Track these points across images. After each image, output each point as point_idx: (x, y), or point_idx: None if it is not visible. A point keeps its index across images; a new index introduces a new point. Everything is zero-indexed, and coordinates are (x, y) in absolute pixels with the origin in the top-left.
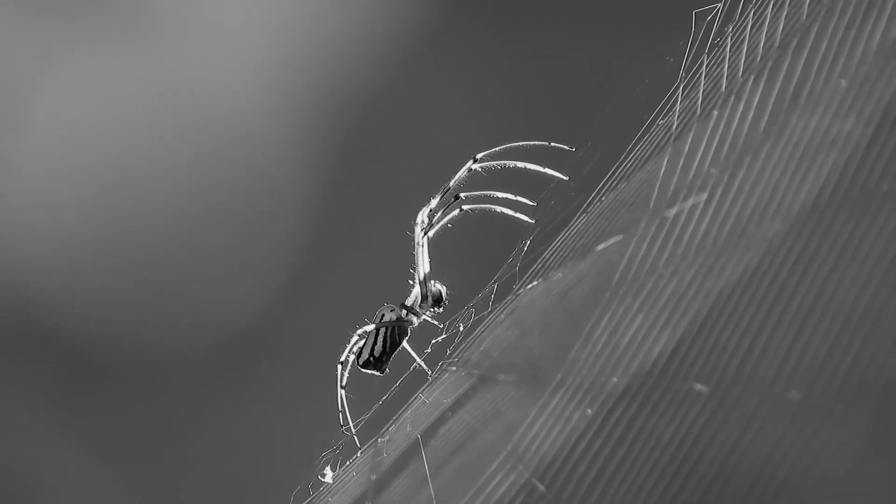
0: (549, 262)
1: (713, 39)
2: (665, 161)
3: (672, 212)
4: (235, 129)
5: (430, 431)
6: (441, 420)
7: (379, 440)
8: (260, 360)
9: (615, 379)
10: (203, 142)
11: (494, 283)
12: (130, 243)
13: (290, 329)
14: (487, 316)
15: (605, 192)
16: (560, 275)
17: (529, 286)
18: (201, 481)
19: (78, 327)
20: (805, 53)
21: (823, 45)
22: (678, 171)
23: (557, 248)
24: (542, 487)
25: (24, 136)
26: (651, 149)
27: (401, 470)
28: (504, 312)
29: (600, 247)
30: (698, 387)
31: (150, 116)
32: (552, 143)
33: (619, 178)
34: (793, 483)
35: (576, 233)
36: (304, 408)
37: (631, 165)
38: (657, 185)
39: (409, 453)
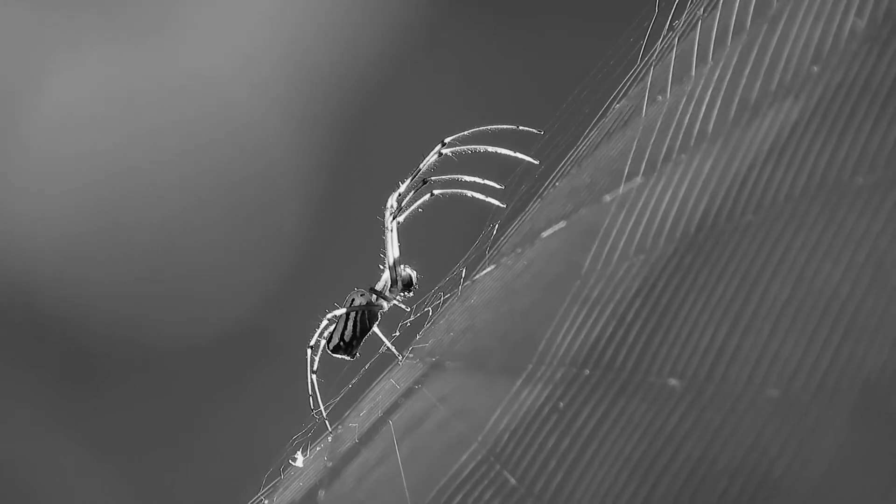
0: (503, 247)
1: (671, 22)
2: (611, 145)
3: (609, 197)
4: (235, 127)
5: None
6: (395, 406)
7: (345, 425)
8: (259, 357)
9: (566, 370)
10: (203, 138)
11: (462, 266)
12: (129, 240)
13: (289, 327)
14: (452, 299)
15: (559, 177)
16: (509, 261)
17: (484, 272)
18: (197, 478)
19: (77, 324)
20: (775, 39)
21: (794, 31)
22: (621, 155)
23: (511, 233)
24: (513, 481)
25: (24, 131)
26: (603, 133)
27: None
28: (459, 299)
29: (545, 233)
30: (672, 381)
31: (150, 110)
32: (520, 127)
33: (572, 162)
34: (770, 482)
35: (529, 218)
36: (302, 405)
37: (583, 150)
38: (602, 170)
39: (377, 437)
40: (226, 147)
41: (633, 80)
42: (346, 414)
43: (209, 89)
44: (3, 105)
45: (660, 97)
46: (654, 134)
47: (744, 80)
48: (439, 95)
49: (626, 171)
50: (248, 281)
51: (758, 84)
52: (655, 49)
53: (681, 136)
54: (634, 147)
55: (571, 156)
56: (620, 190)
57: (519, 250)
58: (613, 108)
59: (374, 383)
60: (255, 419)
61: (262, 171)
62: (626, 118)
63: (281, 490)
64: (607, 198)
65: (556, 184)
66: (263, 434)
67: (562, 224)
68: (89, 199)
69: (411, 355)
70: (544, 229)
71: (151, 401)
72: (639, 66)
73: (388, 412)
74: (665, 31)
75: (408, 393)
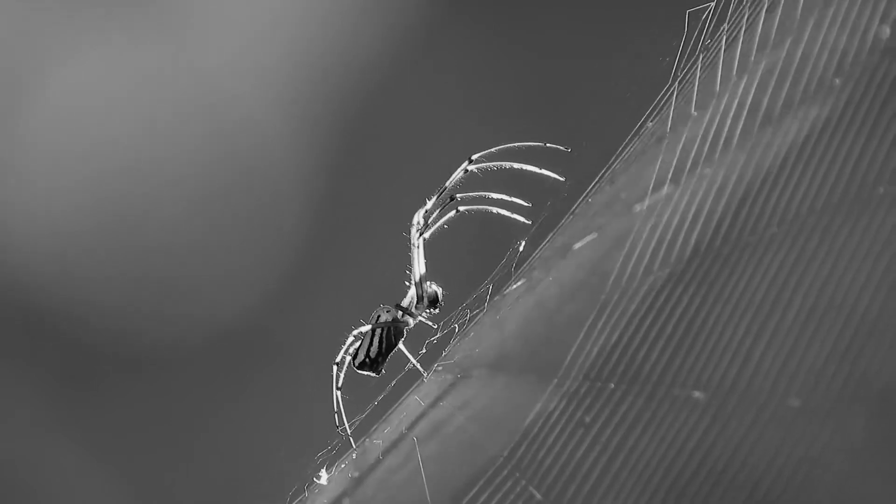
0: (535, 261)
1: (704, 40)
2: (645, 164)
3: (638, 207)
4: (239, 121)
5: (417, 431)
6: (424, 417)
7: (370, 441)
8: (259, 357)
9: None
10: (203, 136)
11: (489, 283)
12: (128, 239)
13: (289, 327)
14: (479, 316)
15: (592, 193)
16: (539, 275)
17: (515, 286)
18: (198, 479)
19: (76, 323)
20: (799, 52)
21: (817, 46)
22: (656, 171)
23: (543, 247)
24: (538, 496)
25: (24, 128)
26: (637, 151)
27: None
28: (490, 313)
29: (577, 245)
30: (696, 394)
31: (150, 109)
32: (548, 144)
33: (605, 180)
34: (791, 491)
35: (560, 233)
36: (302, 405)
37: (618, 167)
38: (633, 184)
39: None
40: (226, 146)
41: (664, 99)
42: (373, 429)
43: (209, 88)
44: (1, 102)
45: (695, 112)
46: (681, 146)
47: (768, 94)
48: (439, 95)
49: (653, 181)
50: (249, 281)
51: (782, 97)
52: (685, 68)
53: (706, 149)
54: (661, 159)
55: (604, 172)
56: (647, 201)
57: (550, 263)
58: (646, 127)
59: (399, 400)
60: (255, 419)
61: (263, 171)
62: (658, 136)
63: None
64: (637, 208)
65: (589, 199)
66: (263, 433)
67: (593, 236)
68: (88, 198)
69: (440, 368)
70: (576, 242)
71: (151, 401)
72: (669, 85)
73: (413, 427)
74: (695, 50)
75: (432, 407)
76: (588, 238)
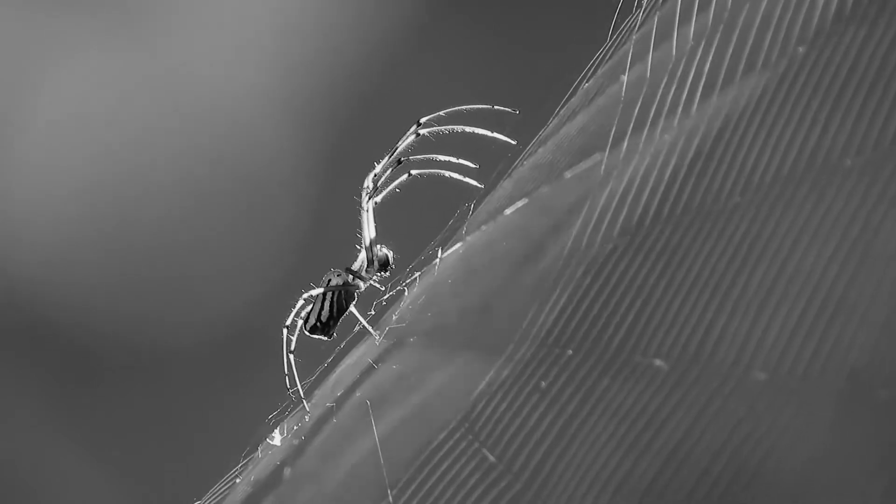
0: (469, 226)
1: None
2: (574, 124)
3: (570, 174)
4: (231, 122)
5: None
6: (374, 380)
7: (319, 403)
8: (259, 357)
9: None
10: (199, 136)
11: (437, 245)
12: (128, 239)
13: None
14: (424, 278)
15: (526, 156)
16: (473, 239)
17: (451, 249)
18: (198, 478)
19: (76, 323)
20: (758, 17)
21: (778, 10)
22: (583, 132)
23: (477, 212)
24: (492, 458)
25: (21, 130)
26: (568, 113)
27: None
28: (427, 276)
29: (508, 210)
30: (657, 362)
31: (145, 112)
32: (496, 107)
33: (537, 143)
34: (753, 465)
35: (495, 198)
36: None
37: (549, 130)
38: (564, 148)
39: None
40: (222, 148)
41: (602, 60)
42: (315, 392)
43: (204, 89)
44: (1, 105)
45: (623, 77)
46: (621, 110)
47: (728, 56)
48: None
49: (591, 147)
50: (248, 281)
51: (742, 63)
52: (624, 27)
53: (651, 113)
54: (598, 124)
55: (538, 136)
56: (582, 166)
57: (483, 227)
58: (582, 88)
59: (349, 362)
60: (256, 420)
61: (256, 172)
62: (591, 97)
63: (252, 468)
64: (568, 175)
65: (523, 163)
66: (263, 434)
67: (524, 202)
68: (85, 200)
69: (386, 331)
70: (507, 207)
71: (151, 400)
72: (607, 45)
73: (354, 387)
74: (634, 8)
75: (375, 366)
76: (518, 204)
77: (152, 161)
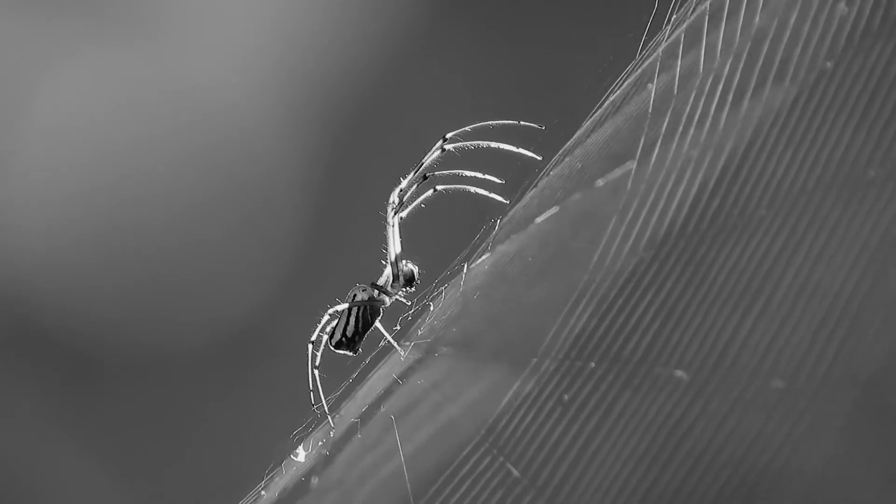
0: (498, 236)
1: (669, 16)
2: (601, 132)
3: (601, 182)
4: (232, 126)
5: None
6: (400, 395)
7: (345, 418)
8: (258, 357)
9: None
10: (200, 139)
11: (463, 261)
12: (128, 241)
13: (288, 326)
14: (451, 293)
15: (554, 166)
16: (503, 248)
17: (479, 260)
18: (197, 478)
19: (76, 325)
20: (787, 33)
21: (807, 26)
22: (610, 141)
23: (508, 222)
24: (516, 473)
25: (21, 134)
26: (595, 123)
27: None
28: (454, 288)
29: (539, 219)
30: (679, 373)
31: (147, 114)
32: (522, 122)
33: (565, 152)
34: (772, 473)
35: (523, 207)
36: (302, 403)
37: (575, 140)
38: (594, 156)
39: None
40: (220, 151)
41: (630, 74)
42: (342, 405)
43: (205, 93)
44: (0, 109)
45: (650, 85)
46: (650, 119)
47: (756, 71)
48: (439, 90)
49: (622, 155)
50: (247, 283)
51: (771, 77)
52: (654, 42)
53: (681, 126)
54: (628, 133)
55: (564, 147)
56: (615, 174)
57: (513, 237)
58: (609, 101)
59: (375, 377)
60: (255, 419)
61: (257, 176)
62: (618, 105)
63: (277, 482)
64: (600, 182)
65: (550, 173)
66: (263, 433)
67: (555, 209)
68: (85, 203)
69: (412, 346)
70: (537, 215)
71: (151, 401)
72: (637, 60)
73: (382, 400)
74: (666, 24)
75: (401, 381)
76: (550, 212)
77: (152, 164)
